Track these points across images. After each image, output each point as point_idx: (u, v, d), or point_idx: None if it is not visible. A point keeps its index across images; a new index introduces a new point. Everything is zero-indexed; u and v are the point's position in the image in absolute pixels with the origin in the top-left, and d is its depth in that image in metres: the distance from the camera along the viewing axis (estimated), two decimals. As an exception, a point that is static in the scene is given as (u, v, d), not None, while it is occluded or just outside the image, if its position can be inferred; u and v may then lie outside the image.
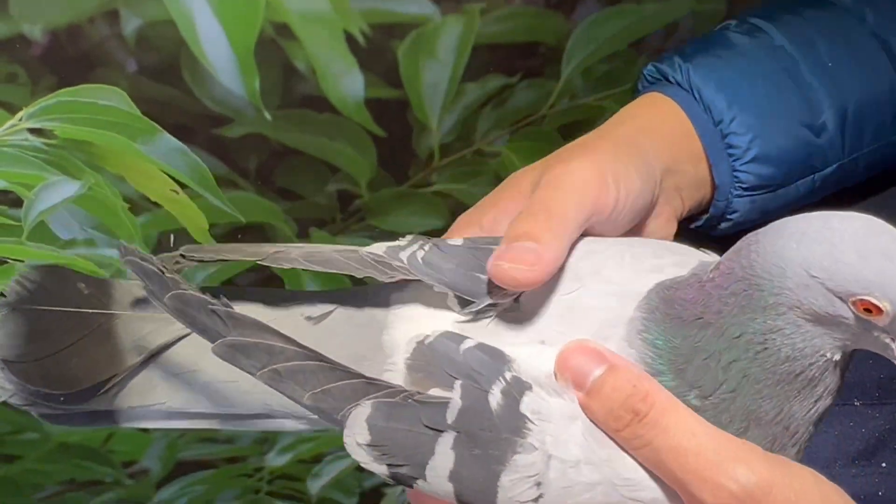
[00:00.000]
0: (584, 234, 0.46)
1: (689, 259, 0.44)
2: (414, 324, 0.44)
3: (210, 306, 0.42)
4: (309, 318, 0.45)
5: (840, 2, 0.57)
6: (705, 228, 0.56)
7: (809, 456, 0.44)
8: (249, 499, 0.97)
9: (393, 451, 0.41)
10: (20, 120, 0.72)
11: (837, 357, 0.40)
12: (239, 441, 0.96)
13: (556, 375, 0.41)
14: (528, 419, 0.40)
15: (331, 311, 0.45)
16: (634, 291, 0.42)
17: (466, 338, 0.42)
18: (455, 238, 0.46)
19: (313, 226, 0.86)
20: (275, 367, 0.41)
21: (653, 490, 0.41)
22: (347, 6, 0.77)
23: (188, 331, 0.44)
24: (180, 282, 0.42)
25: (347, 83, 0.79)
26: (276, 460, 0.97)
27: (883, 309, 0.37)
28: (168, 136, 0.76)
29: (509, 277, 0.42)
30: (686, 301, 0.40)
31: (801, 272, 0.37)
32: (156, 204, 0.79)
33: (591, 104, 0.87)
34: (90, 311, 0.43)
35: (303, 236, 0.87)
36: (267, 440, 0.96)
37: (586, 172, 0.46)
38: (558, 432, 0.40)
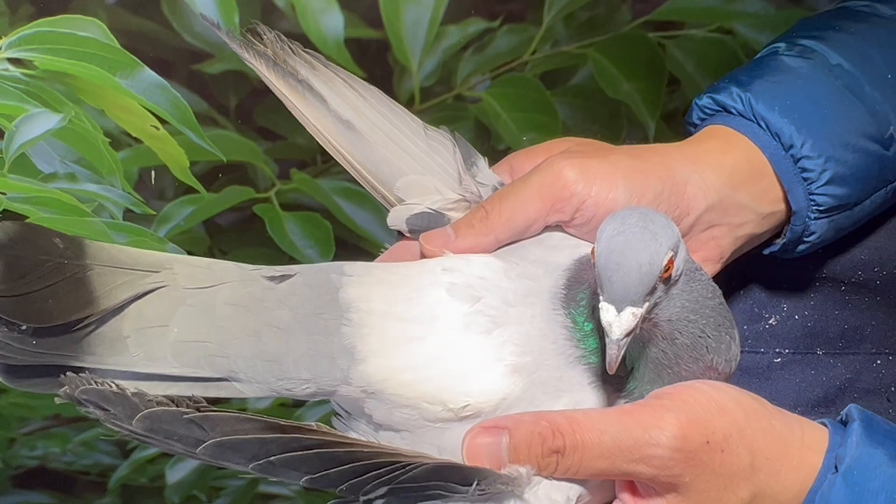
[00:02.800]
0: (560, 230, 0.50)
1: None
2: (365, 287, 0.47)
3: (185, 416, 0.42)
4: (271, 279, 0.48)
5: (883, 13, 0.57)
6: (779, 253, 0.56)
7: (771, 402, 0.47)
8: (233, 441, 0.98)
9: None
10: (0, 49, 0.73)
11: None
12: (222, 383, 0.98)
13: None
14: None
15: (292, 276, 0.48)
16: (556, 263, 0.48)
17: None
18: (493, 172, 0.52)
19: (294, 167, 0.87)
20: (269, 459, 0.42)
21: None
22: (328, -58, 0.78)
23: (161, 284, 0.47)
24: (146, 395, 0.43)
25: (327, 21, 0.79)
26: (258, 403, 0.98)
27: (594, 248, 0.44)
28: (148, 70, 0.76)
29: (423, 247, 0.49)
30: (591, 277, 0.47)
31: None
32: (136, 139, 0.80)
33: (574, 52, 0.87)
34: (65, 260, 0.45)
35: (284, 177, 0.87)
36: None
37: (554, 177, 0.48)
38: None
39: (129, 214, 0.83)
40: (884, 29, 0.56)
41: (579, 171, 0.48)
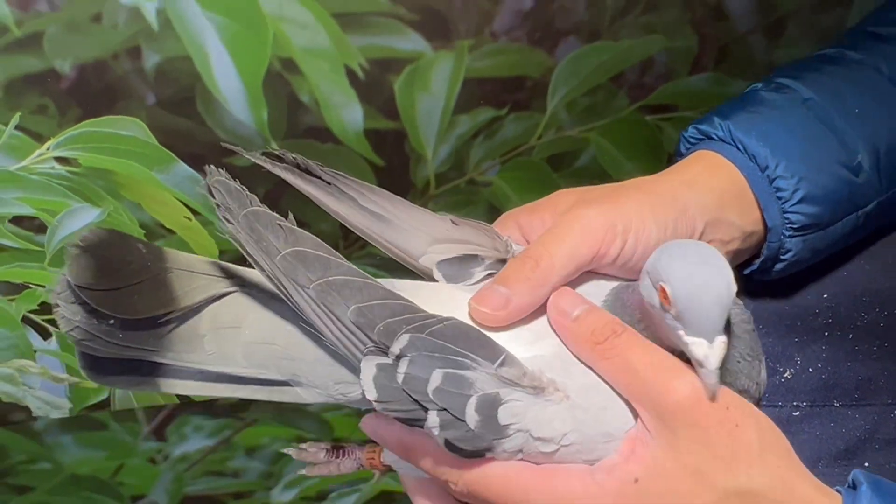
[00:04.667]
0: (591, 273, 0.53)
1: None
2: (415, 300, 0.50)
3: (278, 222, 0.48)
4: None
5: (851, 57, 0.61)
6: (759, 273, 0.59)
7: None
8: (255, 533, 0.98)
9: (394, 406, 0.47)
10: (48, 149, 0.78)
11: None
12: (245, 475, 0.98)
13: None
14: (508, 426, 0.47)
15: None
16: (600, 288, 0.52)
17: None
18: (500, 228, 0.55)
19: (317, 253, 0.91)
20: (329, 278, 0.47)
21: (622, 419, 0.48)
22: (347, 42, 0.83)
23: (235, 289, 0.50)
24: (256, 198, 0.49)
25: (348, 115, 0.85)
26: (281, 496, 0.98)
27: (667, 292, 0.46)
28: (183, 164, 0.81)
29: (477, 315, 0.49)
30: (631, 302, 0.50)
31: (643, 272, 0.48)
32: (170, 230, 0.84)
33: (577, 136, 0.92)
34: (149, 263, 0.50)
35: (307, 264, 0.91)
36: (272, 475, 0.98)
37: (594, 222, 0.51)
38: (538, 418, 0.47)
39: (161, 304, 0.85)
40: (855, 70, 0.61)
41: (615, 215, 0.51)
